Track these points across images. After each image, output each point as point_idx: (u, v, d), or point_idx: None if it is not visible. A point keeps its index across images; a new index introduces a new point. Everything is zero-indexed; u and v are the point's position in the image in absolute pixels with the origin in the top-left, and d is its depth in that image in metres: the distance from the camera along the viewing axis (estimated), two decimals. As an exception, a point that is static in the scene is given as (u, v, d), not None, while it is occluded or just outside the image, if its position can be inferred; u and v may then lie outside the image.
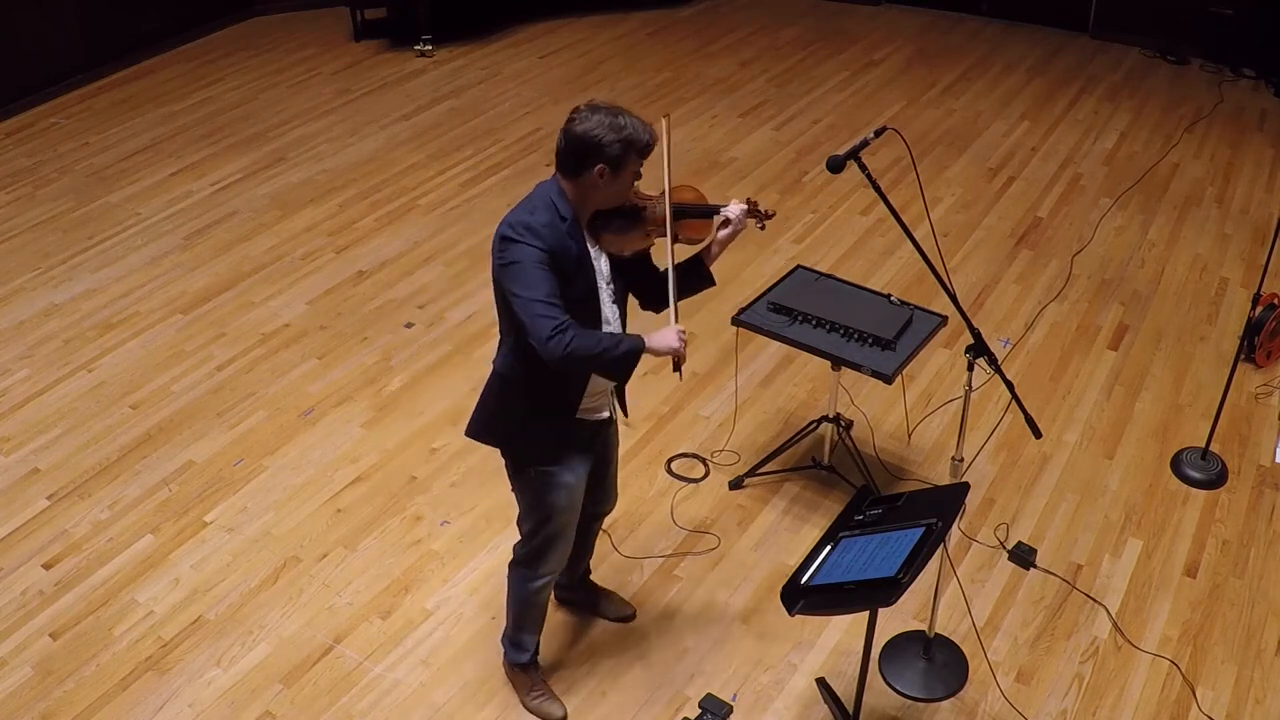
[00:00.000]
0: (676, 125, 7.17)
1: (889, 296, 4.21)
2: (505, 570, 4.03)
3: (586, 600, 3.88)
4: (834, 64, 8.25)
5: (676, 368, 2.94)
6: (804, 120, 7.39)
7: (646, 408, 4.82)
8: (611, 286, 3.08)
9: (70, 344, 5.28)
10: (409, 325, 5.39)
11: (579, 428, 3.16)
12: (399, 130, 7.24)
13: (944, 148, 7.02)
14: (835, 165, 3.18)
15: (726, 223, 3.12)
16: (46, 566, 4.12)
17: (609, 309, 3.07)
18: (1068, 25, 8.76)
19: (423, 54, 8.32)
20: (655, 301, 3.22)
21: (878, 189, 3.19)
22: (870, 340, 4.01)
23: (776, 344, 4.35)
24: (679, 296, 3.06)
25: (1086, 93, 7.78)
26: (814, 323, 4.11)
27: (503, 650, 3.64)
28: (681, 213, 3.10)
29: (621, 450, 3.44)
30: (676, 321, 2.97)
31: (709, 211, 3.13)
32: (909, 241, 3.28)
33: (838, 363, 4.04)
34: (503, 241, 2.86)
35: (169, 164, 6.84)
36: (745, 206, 3.14)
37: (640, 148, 2.90)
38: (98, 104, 7.61)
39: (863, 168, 3.16)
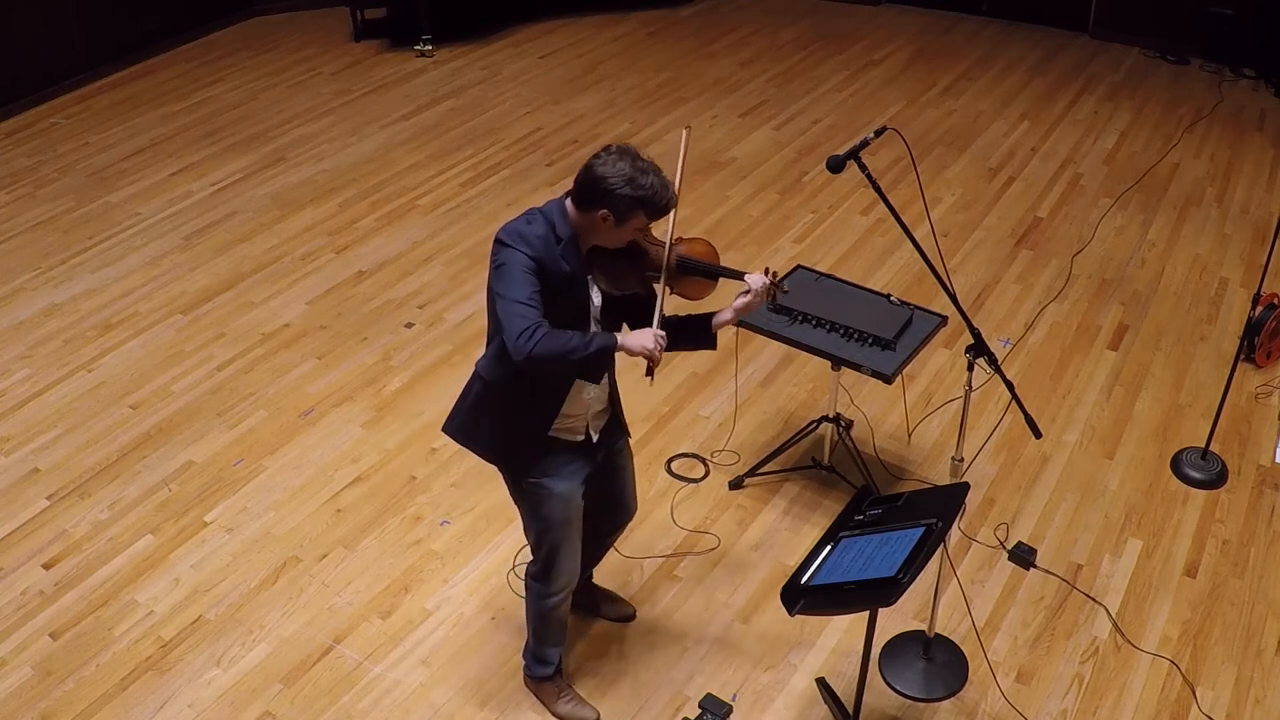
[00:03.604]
0: (676, 125, 7.17)
1: (889, 296, 4.21)
2: (505, 570, 4.05)
3: (587, 600, 3.87)
4: (834, 64, 8.25)
5: (649, 371, 2.90)
6: (804, 120, 7.39)
7: (646, 408, 4.82)
8: (601, 321, 3.07)
9: (70, 344, 5.28)
10: (409, 325, 5.40)
11: (556, 444, 3.13)
12: (399, 130, 7.24)
13: (944, 148, 7.02)
14: (835, 165, 3.18)
15: (746, 291, 3.05)
16: (46, 566, 4.12)
17: None
18: (1068, 25, 8.75)
19: (423, 54, 8.32)
20: None
21: (878, 189, 3.19)
22: (870, 340, 4.01)
23: (776, 344, 4.34)
24: (676, 347, 3.03)
25: (1086, 93, 7.78)
26: (814, 323, 4.11)
27: (524, 664, 3.61)
28: (685, 268, 3.05)
29: (621, 450, 3.43)
30: (659, 326, 2.93)
31: (715, 273, 3.07)
32: (909, 241, 3.28)
33: (838, 363, 4.04)
34: (496, 245, 2.90)
35: (169, 164, 6.84)
36: (767, 280, 3.05)
37: (651, 209, 2.87)
38: (98, 104, 7.61)
39: (863, 168, 3.16)
